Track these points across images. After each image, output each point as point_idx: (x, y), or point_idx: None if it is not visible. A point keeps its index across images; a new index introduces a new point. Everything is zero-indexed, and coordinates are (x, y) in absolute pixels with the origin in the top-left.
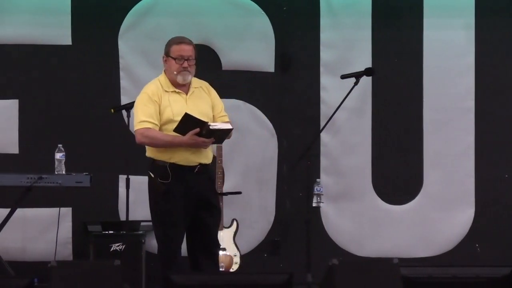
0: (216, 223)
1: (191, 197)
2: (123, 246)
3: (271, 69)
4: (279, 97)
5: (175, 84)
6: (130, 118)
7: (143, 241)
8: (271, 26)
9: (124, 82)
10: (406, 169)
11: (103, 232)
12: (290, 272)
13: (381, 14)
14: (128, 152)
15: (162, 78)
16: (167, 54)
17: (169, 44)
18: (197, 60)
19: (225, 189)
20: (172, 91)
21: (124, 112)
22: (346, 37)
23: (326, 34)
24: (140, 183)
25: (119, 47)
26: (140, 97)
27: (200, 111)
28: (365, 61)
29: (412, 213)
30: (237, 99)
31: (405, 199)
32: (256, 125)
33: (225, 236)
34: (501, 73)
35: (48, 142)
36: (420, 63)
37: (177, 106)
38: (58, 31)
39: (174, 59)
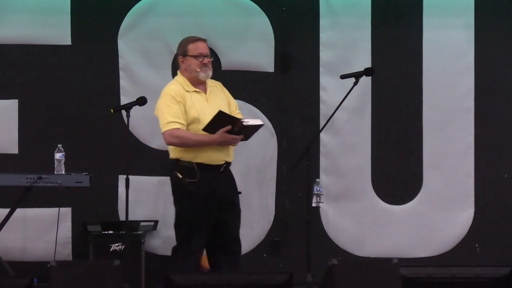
0: (237, 222)
1: (216, 196)
2: (123, 246)
3: (271, 69)
4: (278, 97)
5: (194, 83)
6: (130, 118)
7: (142, 241)
8: (270, 26)
9: (123, 82)
10: (406, 169)
11: (103, 232)
12: (290, 272)
13: (381, 14)
14: (127, 152)
15: (180, 79)
16: (184, 54)
17: (184, 44)
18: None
19: None
20: (193, 91)
21: (123, 112)
22: (345, 37)
23: (325, 34)
24: (139, 183)
25: (119, 47)
26: (163, 99)
27: (218, 109)
28: (364, 61)
29: (411, 213)
30: (236, 99)
31: (404, 199)
32: None
33: None
34: (501, 73)
35: (48, 142)
36: (419, 63)
37: (200, 105)
38: (58, 31)
39: (195, 57)
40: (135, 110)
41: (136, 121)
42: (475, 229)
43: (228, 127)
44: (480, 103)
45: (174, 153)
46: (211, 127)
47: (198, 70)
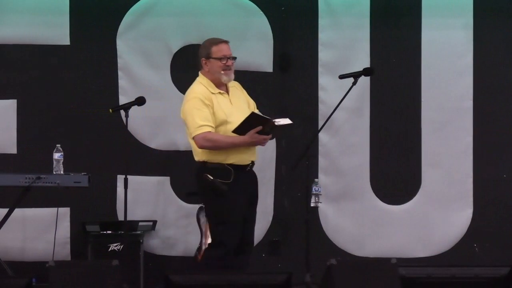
0: (255, 217)
1: (245, 196)
2: (121, 246)
3: (270, 69)
4: (277, 97)
5: (217, 85)
6: (128, 118)
7: (141, 241)
8: (269, 26)
9: (122, 82)
10: (405, 169)
11: (101, 232)
12: (289, 272)
13: (380, 14)
14: (126, 152)
15: (204, 81)
16: (207, 56)
17: (207, 46)
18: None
19: None
20: (217, 93)
21: (122, 112)
22: (344, 37)
23: (324, 34)
24: (138, 183)
25: (118, 47)
26: (191, 102)
27: (241, 109)
28: (363, 61)
29: (410, 213)
30: None
31: (403, 199)
32: None
33: None
34: (500, 73)
35: (47, 142)
36: (418, 63)
37: (226, 107)
38: (57, 31)
39: (219, 59)
40: (134, 110)
41: (135, 121)
42: (474, 229)
43: (259, 128)
44: (478, 103)
45: (201, 155)
46: (241, 129)
47: (222, 72)
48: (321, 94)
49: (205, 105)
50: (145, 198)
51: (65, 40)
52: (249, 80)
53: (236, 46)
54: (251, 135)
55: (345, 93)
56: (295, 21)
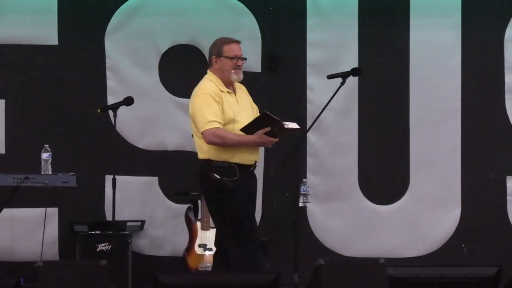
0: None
1: (248, 196)
2: (110, 246)
3: (258, 69)
4: (266, 97)
5: (226, 84)
6: (117, 118)
7: (129, 241)
8: (258, 26)
9: (110, 82)
10: (393, 169)
11: (90, 232)
12: (277, 272)
13: (368, 14)
14: (114, 152)
15: (214, 78)
16: (218, 55)
17: (219, 45)
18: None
19: None
20: (226, 92)
21: (110, 112)
22: (333, 37)
23: (313, 34)
24: (126, 183)
25: (106, 47)
26: (201, 98)
27: (247, 110)
28: (352, 61)
29: (398, 213)
30: None
31: (391, 199)
32: None
33: (211, 236)
34: (488, 73)
35: (35, 142)
36: (406, 63)
37: (234, 106)
38: (45, 31)
39: (230, 58)
40: (122, 110)
41: (123, 121)
42: (462, 229)
43: (268, 129)
44: (467, 103)
45: (207, 153)
46: (250, 128)
47: (232, 71)
48: (309, 94)
49: (216, 101)
50: (133, 198)
51: (54, 40)
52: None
53: None
54: (259, 135)
55: (333, 93)
56: (283, 21)
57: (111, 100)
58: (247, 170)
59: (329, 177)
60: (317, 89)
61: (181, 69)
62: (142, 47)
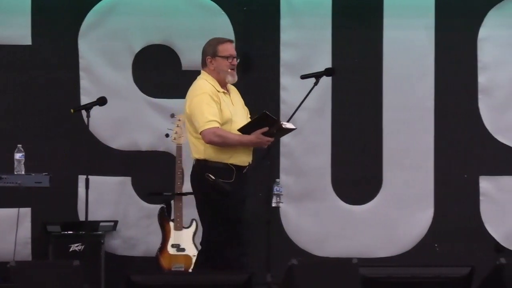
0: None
1: (243, 197)
2: (83, 247)
3: None
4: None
5: (221, 84)
6: (90, 118)
7: (102, 241)
8: (231, 26)
9: (84, 82)
10: (366, 169)
11: (63, 233)
12: (250, 272)
13: (342, 14)
14: (87, 152)
15: (209, 78)
16: (213, 54)
17: (213, 45)
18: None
19: (185, 189)
20: (222, 92)
21: (84, 112)
22: (306, 37)
23: (286, 34)
24: (99, 184)
25: (79, 47)
26: (200, 97)
27: (241, 112)
28: (325, 61)
29: (371, 213)
30: None
31: (364, 199)
32: None
33: (184, 236)
34: (461, 73)
35: (8, 142)
36: (380, 63)
37: (230, 106)
38: (18, 31)
39: (226, 58)
40: (96, 110)
41: (97, 121)
42: (435, 229)
43: (265, 129)
44: (440, 103)
45: (203, 153)
46: (248, 128)
47: (228, 71)
48: (282, 94)
49: (214, 101)
50: (106, 198)
51: (27, 40)
52: None
53: (198, 46)
54: (257, 135)
55: (306, 93)
56: (257, 21)
57: (84, 100)
58: (241, 171)
59: (302, 177)
60: (291, 89)
61: (155, 69)
62: (116, 47)
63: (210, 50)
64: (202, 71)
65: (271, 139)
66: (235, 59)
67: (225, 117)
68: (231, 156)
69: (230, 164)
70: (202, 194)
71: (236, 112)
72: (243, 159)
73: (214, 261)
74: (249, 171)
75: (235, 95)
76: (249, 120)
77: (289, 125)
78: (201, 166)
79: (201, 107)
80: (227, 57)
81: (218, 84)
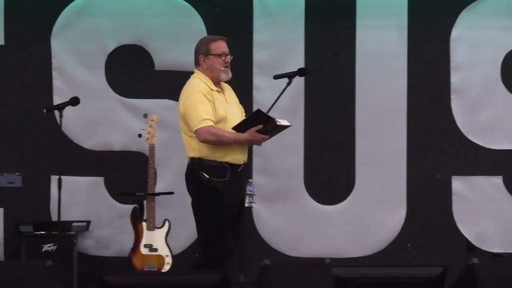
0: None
1: (238, 196)
2: (55, 247)
3: None
4: None
5: (215, 83)
6: (63, 119)
7: (75, 241)
8: (204, 27)
9: (56, 82)
10: (339, 169)
11: (35, 233)
12: (223, 272)
13: (315, 15)
14: (60, 152)
15: (203, 77)
16: (206, 53)
17: (205, 43)
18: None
19: (158, 189)
20: (216, 90)
21: (56, 112)
22: (279, 38)
23: (259, 35)
24: (72, 184)
25: (52, 47)
26: (194, 96)
27: (236, 110)
28: (298, 61)
29: (344, 213)
30: (170, 99)
31: (337, 199)
32: None
33: (157, 237)
34: (434, 73)
35: None
36: (352, 64)
37: (224, 104)
38: None
39: (219, 55)
40: (68, 110)
41: (69, 121)
42: (407, 229)
43: (260, 126)
44: (412, 103)
45: (198, 152)
46: (243, 126)
47: (222, 69)
48: (255, 94)
49: (208, 100)
50: (79, 198)
51: (0, 40)
52: (184, 81)
53: (170, 46)
54: (252, 133)
55: (279, 93)
56: (230, 21)
57: (57, 100)
58: (236, 170)
59: (275, 177)
60: (264, 89)
61: (128, 69)
62: (88, 47)
63: (203, 49)
64: (195, 70)
65: (266, 137)
66: (228, 57)
67: (219, 116)
68: (226, 154)
69: (225, 162)
70: (196, 193)
71: (230, 110)
72: (238, 157)
73: (203, 260)
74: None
75: (230, 93)
76: (244, 118)
77: (284, 122)
78: (195, 164)
79: (195, 106)
80: (220, 55)
81: (211, 83)
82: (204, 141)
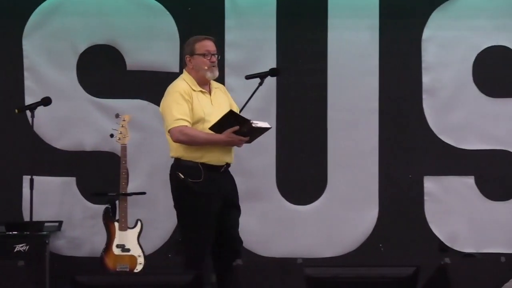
0: (237, 222)
1: (219, 197)
2: (27, 247)
3: (176, 69)
4: None
5: (200, 83)
6: (35, 119)
7: (47, 241)
8: (176, 27)
9: (28, 82)
10: (311, 169)
11: (7, 233)
12: (195, 272)
13: (286, 15)
14: (32, 152)
15: (187, 77)
16: (191, 53)
17: (191, 43)
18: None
19: (130, 189)
20: (198, 91)
21: (28, 113)
22: (251, 38)
23: (231, 35)
24: (44, 184)
25: (24, 47)
26: (171, 96)
27: (222, 111)
28: (270, 61)
29: (316, 213)
30: (142, 99)
31: (309, 199)
32: (160, 125)
33: (129, 237)
34: (406, 74)
35: None
36: (324, 64)
37: (206, 105)
38: None
39: (203, 55)
40: (40, 110)
41: (41, 121)
42: (380, 229)
43: (236, 128)
44: (384, 104)
45: (176, 151)
46: (218, 127)
47: (206, 68)
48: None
49: (185, 100)
50: (51, 198)
51: None
52: (155, 81)
53: (142, 47)
54: (227, 134)
55: (251, 93)
56: (201, 21)
57: (29, 100)
58: (218, 171)
59: (247, 177)
60: (236, 89)
61: (99, 69)
62: (60, 47)
63: (188, 49)
64: (183, 70)
65: (244, 139)
66: (214, 56)
67: (196, 116)
68: (203, 155)
69: (202, 163)
70: (174, 193)
71: (211, 112)
72: (217, 158)
73: (183, 259)
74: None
75: (219, 95)
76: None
77: (261, 124)
78: (174, 164)
79: (170, 106)
80: (204, 54)
81: (195, 83)
82: (177, 141)
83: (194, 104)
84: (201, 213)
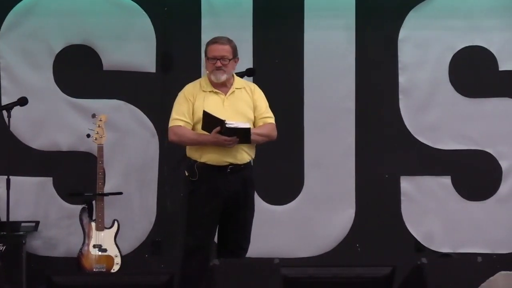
0: (247, 221)
1: (218, 197)
2: (4, 247)
3: (153, 69)
4: (160, 97)
5: (214, 84)
6: (11, 119)
7: (24, 241)
8: (152, 26)
9: (4, 82)
10: (287, 169)
11: None
12: (171, 273)
13: (262, 15)
14: (8, 152)
15: (204, 78)
16: (205, 54)
17: (206, 45)
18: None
19: (106, 189)
20: (210, 91)
21: (4, 113)
22: None
23: (207, 35)
24: (20, 184)
25: (0, 47)
26: (177, 97)
27: (236, 112)
28: (246, 61)
29: (293, 213)
30: (118, 99)
31: (286, 199)
32: (137, 125)
33: (106, 237)
34: (382, 73)
35: None
36: (301, 64)
37: (211, 105)
38: None
39: (209, 59)
40: (16, 110)
41: (17, 121)
42: (356, 229)
43: (218, 128)
44: (360, 104)
45: (187, 150)
46: (206, 127)
47: (209, 72)
48: None
49: (186, 100)
50: (27, 198)
51: None
52: (131, 81)
53: (118, 46)
54: (213, 134)
55: None
56: (178, 21)
57: (5, 100)
58: (221, 172)
59: None
60: None
61: (75, 69)
62: (36, 47)
63: (205, 51)
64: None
65: (229, 139)
66: (219, 61)
67: (197, 117)
68: (201, 155)
69: (200, 162)
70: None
71: (221, 112)
72: (216, 158)
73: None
74: (170, 171)
75: (240, 96)
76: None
77: (237, 124)
78: (186, 162)
79: (174, 106)
80: (209, 59)
81: (209, 84)
82: (170, 140)
83: (195, 104)
84: (194, 212)
